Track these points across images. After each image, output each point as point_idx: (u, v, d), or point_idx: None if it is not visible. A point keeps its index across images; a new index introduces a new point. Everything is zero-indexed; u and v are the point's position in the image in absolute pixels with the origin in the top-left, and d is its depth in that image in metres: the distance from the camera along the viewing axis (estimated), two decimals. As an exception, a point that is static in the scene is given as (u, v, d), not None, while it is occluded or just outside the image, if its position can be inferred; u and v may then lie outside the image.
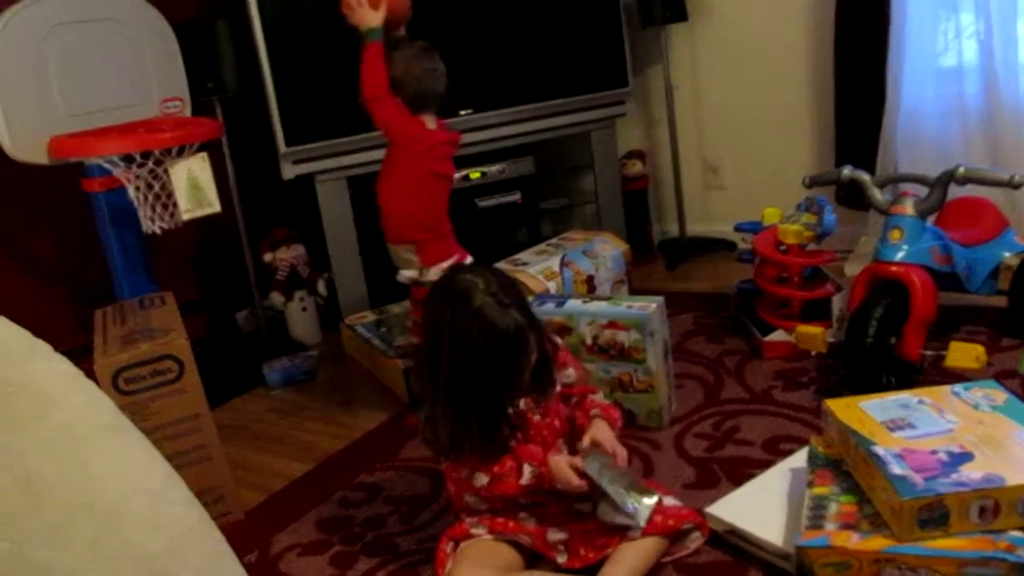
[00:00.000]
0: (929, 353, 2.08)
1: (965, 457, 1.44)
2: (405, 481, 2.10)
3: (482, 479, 1.62)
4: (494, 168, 3.19)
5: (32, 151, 2.32)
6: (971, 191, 2.30)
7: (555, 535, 1.65)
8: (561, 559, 1.62)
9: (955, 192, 2.20)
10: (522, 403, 1.66)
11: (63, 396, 0.52)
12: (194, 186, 2.43)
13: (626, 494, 1.60)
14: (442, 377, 1.56)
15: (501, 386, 1.58)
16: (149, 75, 2.64)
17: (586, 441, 1.67)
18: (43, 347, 0.54)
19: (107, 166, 2.35)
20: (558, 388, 1.73)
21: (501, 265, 2.66)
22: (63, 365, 0.55)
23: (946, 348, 2.04)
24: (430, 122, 2.21)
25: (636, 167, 3.58)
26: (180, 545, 0.52)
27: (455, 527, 1.67)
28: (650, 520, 1.59)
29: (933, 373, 2.15)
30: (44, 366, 0.53)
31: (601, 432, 1.68)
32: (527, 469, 1.60)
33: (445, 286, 1.60)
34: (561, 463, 1.60)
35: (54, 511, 0.47)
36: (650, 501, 1.61)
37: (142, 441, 0.58)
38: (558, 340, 1.85)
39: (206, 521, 0.58)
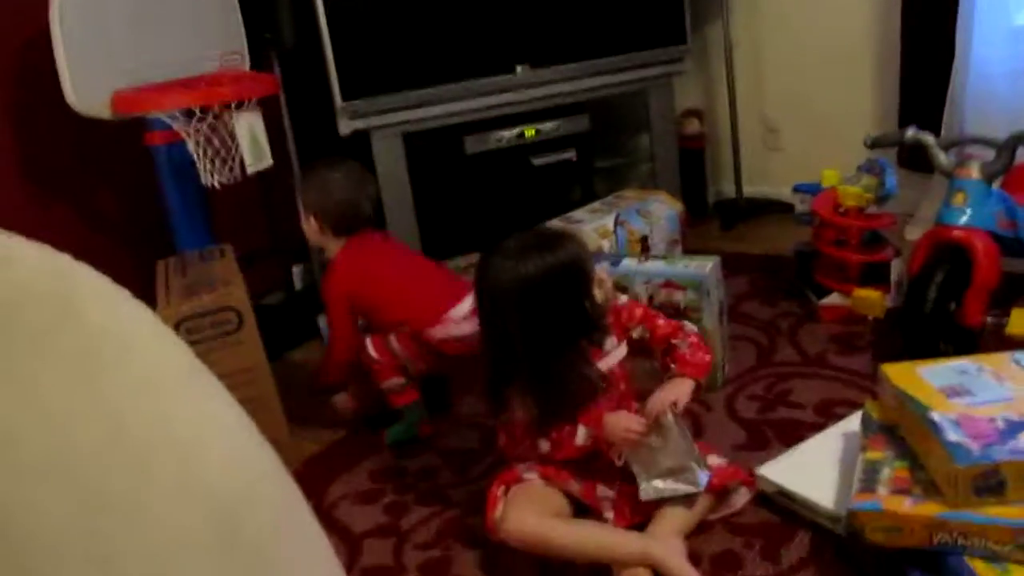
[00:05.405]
0: (990, 320, 2.04)
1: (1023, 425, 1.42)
2: (458, 435, 2.13)
3: (544, 445, 1.64)
4: (549, 125, 3.16)
5: (95, 105, 2.36)
6: (1041, 155, 2.24)
7: (604, 491, 1.66)
8: (608, 515, 1.64)
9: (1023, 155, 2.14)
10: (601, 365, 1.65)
11: (144, 341, 0.54)
12: (254, 140, 2.46)
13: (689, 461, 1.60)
14: (520, 349, 1.56)
15: (576, 316, 1.58)
16: (209, 28, 2.66)
17: (662, 402, 1.63)
18: (124, 293, 0.57)
19: (168, 120, 2.39)
20: (624, 352, 1.72)
21: (555, 223, 2.66)
22: (143, 311, 0.57)
23: (1008, 315, 2.00)
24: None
25: (693, 126, 3.53)
26: (255, 489, 0.54)
27: (507, 472, 1.68)
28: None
29: (994, 340, 2.11)
30: (127, 311, 0.55)
31: (677, 391, 1.66)
32: (581, 431, 1.61)
33: (486, 281, 1.60)
34: (619, 415, 1.61)
35: (136, 446, 0.49)
36: (703, 478, 1.60)
37: (217, 386, 0.60)
38: (624, 297, 1.84)
39: (279, 467, 0.60)
